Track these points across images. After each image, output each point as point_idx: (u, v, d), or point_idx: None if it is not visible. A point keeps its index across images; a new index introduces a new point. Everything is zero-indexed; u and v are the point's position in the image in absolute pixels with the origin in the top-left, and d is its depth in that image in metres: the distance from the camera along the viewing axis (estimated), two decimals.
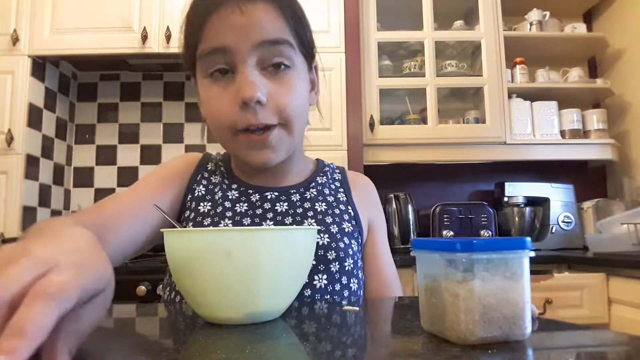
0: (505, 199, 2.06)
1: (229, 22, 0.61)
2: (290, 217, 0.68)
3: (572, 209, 2.04)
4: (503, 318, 0.35)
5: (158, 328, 0.47)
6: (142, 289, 1.42)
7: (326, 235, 0.67)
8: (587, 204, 2.06)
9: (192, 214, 0.69)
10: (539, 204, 2.06)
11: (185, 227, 0.68)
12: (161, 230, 0.46)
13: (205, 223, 0.66)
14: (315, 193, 0.73)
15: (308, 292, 0.63)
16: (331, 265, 0.65)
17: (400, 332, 0.41)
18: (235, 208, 0.68)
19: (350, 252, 0.68)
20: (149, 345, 0.40)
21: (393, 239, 1.96)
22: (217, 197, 0.70)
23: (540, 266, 1.66)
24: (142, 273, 1.47)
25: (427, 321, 0.39)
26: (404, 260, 1.59)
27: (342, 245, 0.67)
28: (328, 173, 0.78)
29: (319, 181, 0.75)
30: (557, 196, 2.05)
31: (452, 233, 1.92)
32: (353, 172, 0.82)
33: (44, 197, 1.96)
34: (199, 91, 0.67)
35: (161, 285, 1.44)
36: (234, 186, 0.72)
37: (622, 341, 0.37)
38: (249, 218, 0.67)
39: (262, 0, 0.62)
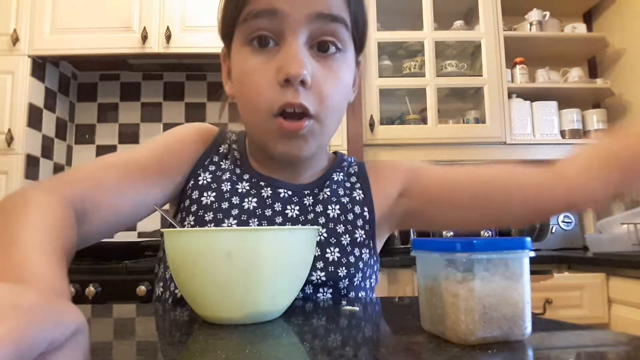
0: None
1: None
2: (300, 225, 0.63)
3: None
4: (503, 318, 0.35)
5: (158, 328, 0.47)
6: (142, 289, 1.42)
7: (337, 250, 0.61)
8: None
9: (194, 206, 0.62)
10: None
11: (184, 217, 0.63)
12: (161, 230, 0.46)
13: (207, 218, 0.61)
14: (328, 193, 0.65)
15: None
16: (340, 282, 0.60)
17: (400, 332, 0.41)
18: (243, 204, 0.62)
19: (361, 265, 0.62)
20: (148, 345, 0.40)
21: (393, 239, 1.96)
22: (224, 189, 0.63)
23: (540, 266, 1.66)
24: (142, 273, 1.47)
25: (427, 321, 0.39)
26: (404, 260, 1.59)
27: (352, 259, 0.62)
28: (345, 168, 0.70)
29: (335, 178, 0.68)
30: None
31: (452, 233, 1.92)
32: (374, 162, 0.73)
33: None
34: (233, 63, 0.59)
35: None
36: (246, 177, 0.64)
37: (622, 341, 0.37)
38: (256, 219, 0.61)
39: None
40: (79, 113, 2.24)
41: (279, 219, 0.62)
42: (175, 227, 0.56)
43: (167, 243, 0.45)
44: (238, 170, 0.65)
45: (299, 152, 0.58)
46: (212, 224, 0.60)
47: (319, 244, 0.61)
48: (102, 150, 2.22)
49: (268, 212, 0.62)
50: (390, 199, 0.67)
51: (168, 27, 1.87)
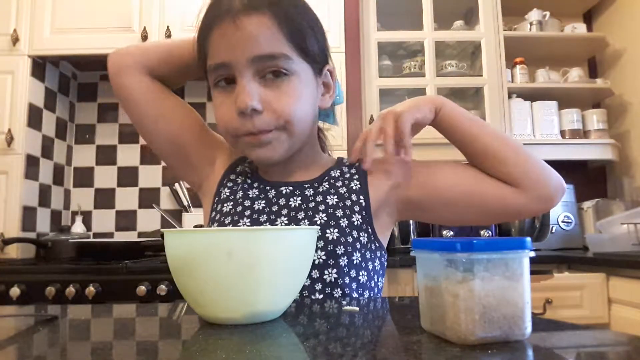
0: None
1: (226, 39, 0.65)
2: (302, 212, 0.71)
3: (572, 209, 2.04)
4: (503, 318, 0.35)
5: (158, 328, 0.47)
6: (142, 289, 1.42)
7: (336, 230, 0.68)
8: (587, 204, 2.06)
9: (218, 215, 0.74)
10: None
11: (211, 227, 0.74)
12: (161, 230, 0.46)
13: (226, 222, 0.72)
14: (327, 186, 0.74)
15: (319, 287, 0.66)
16: (340, 260, 0.67)
17: (400, 332, 0.41)
18: (254, 206, 0.72)
19: (358, 246, 0.69)
20: (149, 345, 0.40)
21: (393, 239, 1.96)
22: (238, 197, 0.75)
23: (540, 266, 1.66)
24: (142, 273, 1.47)
25: (427, 321, 0.39)
26: (404, 260, 1.59)
27: (350, 239, 0.69)
28: (343, 168, 0.78)
29: (333, 174, 0.76)
30: None
31: (452, 233, 1.92)
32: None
33: (44, 197, 1.96)
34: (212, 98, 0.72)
35: (162, 285, 1.44)
36: (255, 184, 0.76)
37: (622, 341, 0.37)
38: (265, 215, 0.71)
39: (257, 12, 0.64)
40: (79, 113, 2.24)
41: (284, 211, 0.71)
42: (175, 227, 0.56)
43: (167, 243, 0.45)
44: (249, 181, 0.77)
45: (268, 157, 0.69)
46: (231, 226, 0.70)
47: (319, 226, 0.68)
48: (102, 150, 2.22)
49: (274, 208, 0.72)
50: (384, 188, 0.74)
51: (168, 27, 1.87)
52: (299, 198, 0.72)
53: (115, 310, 0.57)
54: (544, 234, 2.01)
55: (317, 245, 0.65)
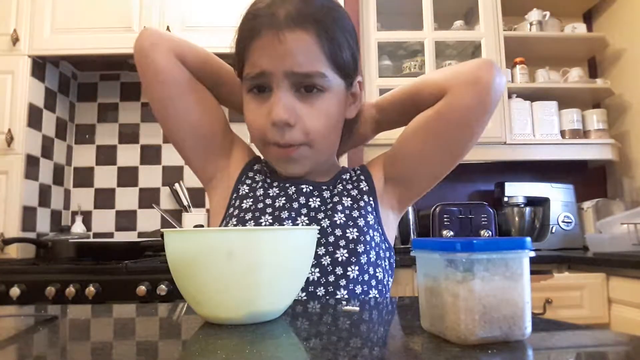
0: (505, 199, 2.05)
1: (267, 50, 0.66)
2: (322, 213, 0.74)
3: (572, 209, 2.04)
4: (503, 318, 0.35)
5: (158, 328, 0.47)
6: (142, 289, 1.42)
7: (355, 230, 0.72)
8: (587, 204, 2.06)
9: (237, 211, 0.75)
10: (539, 204, 2.06)
11: (227, 222, 0.75)
12: (161, 230, 0.46)
13: (247, 217, 0.73)
14: (341, 188, 0.78)
15: (343, 283, 0.68)
16: (361, 258, 0.70)
17: (400, 332, 0.41)
18: (275, 203, 0.74)
19: (373, 244, 0.73)
20: (149, 345, 0.40)
21: (393, 239, 1.95)
22: (258, 194, 0.76)
23: (540, 266, 1.66)
24: (142, 273, 1.47)
25: (427, 321, 0.39)
26: (404, 260, 1.59)
27: (368, 238, 0.72)
28: (350, 171, 0.82)
29: (344, 177, 0.81)
30: (557, 196, 2.04)
31: (452, 233, 1.92)
32: (371, 160, 0.85)
33: (44, 197, 1.96)
34: (243, 103, 0.74)
35: (162, 285, 1.44)
36: (275, 183, 0.78)
37: (622, 341, 0.37)
38: (286, 212, 0.73)
39: (301, 29, 0.65)
40: (79, 113, 2.24)
41: (304, 210, 0.74)
42: (175, 227, 0.56)
43: (167, 243, 0.45)
44: (269, 180, 0.80)
45: (294, 171, 0.74)
46: (252, 222, 0.72)
47: (340, 226, 0.72)
48: (102, 150, 2.22)
49: (295, 205, 0.74)
50: (381, 183, 0.79)
51: (168, 27, 1.87)
52: (318, 199, 0.75)
53: (115, 310, 0.57)
54: (544, 234, 2.01)
55: (339, 244, 0.70)
